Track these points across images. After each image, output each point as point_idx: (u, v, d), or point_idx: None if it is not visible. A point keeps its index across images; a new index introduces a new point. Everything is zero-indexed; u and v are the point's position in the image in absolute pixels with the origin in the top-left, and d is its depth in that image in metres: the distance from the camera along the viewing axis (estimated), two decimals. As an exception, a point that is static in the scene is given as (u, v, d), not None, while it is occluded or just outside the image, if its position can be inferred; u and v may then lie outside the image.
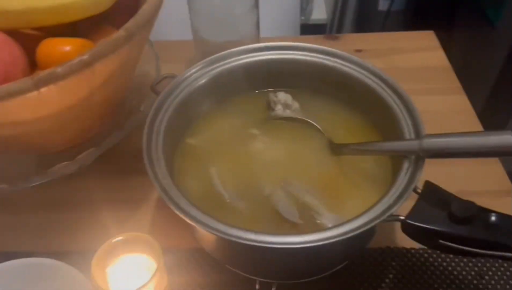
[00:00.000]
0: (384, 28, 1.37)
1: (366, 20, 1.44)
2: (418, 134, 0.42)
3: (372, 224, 0.36)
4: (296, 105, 0.53)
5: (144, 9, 0.40)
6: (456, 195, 0.38)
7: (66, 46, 0.40)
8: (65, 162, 0.47)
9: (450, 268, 0.47)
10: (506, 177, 0.56)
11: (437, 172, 0.43)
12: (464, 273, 0.47)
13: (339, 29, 1.46)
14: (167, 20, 0.83)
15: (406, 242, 0.49)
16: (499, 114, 1.08)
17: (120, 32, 0.38)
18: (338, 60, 0.50)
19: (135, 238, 0.42)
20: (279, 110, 0.52)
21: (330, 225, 0.41)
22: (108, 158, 0.56)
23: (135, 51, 0.43)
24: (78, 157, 0.48)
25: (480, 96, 1.09)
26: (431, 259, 0.48)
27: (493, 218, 0.35)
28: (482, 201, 0.40)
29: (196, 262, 0.48)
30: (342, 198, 0.44)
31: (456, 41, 1.16)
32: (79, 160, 0.48)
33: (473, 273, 0.47)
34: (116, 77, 0.42)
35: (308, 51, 0.52)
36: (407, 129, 0.43)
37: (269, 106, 0.53)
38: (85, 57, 0.36)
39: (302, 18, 1.44)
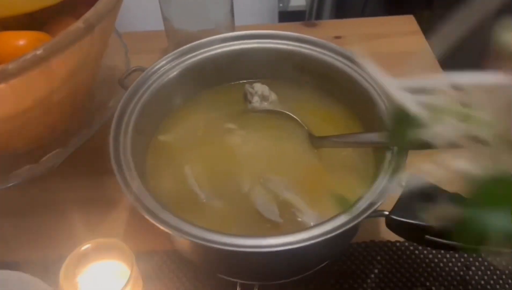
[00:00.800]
0: (364, 13, 1.35)
1: (346, 6, 1.42)
2: (400, 124, 0.40)
3: (355, 222, 0.34)
4: (273, 96, 0.50)
5: (105, -2, 0.37)
6: (441, 187, 0.36)
7: (19, 40, 0.36)
8: (28, 165, 0.44)
9: (436, 260, 0.46)
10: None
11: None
12: (450, 264, 0.45)
13: (319, 16, 1.43)
14: (137, 10, 0.79)
15: (391, 235, 0.47)
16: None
17: (78, 24, 0.35)
18: (316, 48, 0.48)
19: (106, 244, 0.40)
20: (256, 102, 0.50)
21: (312, 223, 0.39)
22: (76, 157, 0.52)
23: (98, 43, 0.40)
24: (42, 159, 0.44)
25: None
26: (417, 252, 0.46)
27: (481, 211, 0.34)
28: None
29: (174, 266, 0.46)
30: (323, 193, 0.42)
31: (436, 23, 1.14)
32: (43, 163, 0.45)
33: (459, 264, 0.45)
34: (78, 73, 0.39)
35: (284, 39, 0.49)
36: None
37: (246, 98, 0.51)
38: (40, 51, 0.33)
39: (281, 5, 1.41)
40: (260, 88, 0.50)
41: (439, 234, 0.34)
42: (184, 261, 0.46)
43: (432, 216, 0.33)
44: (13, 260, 0.46)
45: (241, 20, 0.68)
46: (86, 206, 0.51)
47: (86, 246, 0.39)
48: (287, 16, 1.42)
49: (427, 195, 0.36)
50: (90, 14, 0.36)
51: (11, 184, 0.44)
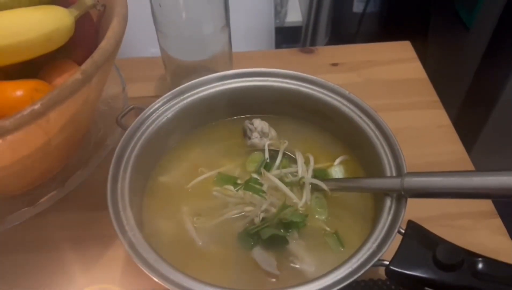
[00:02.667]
0: (359, 30, 1.36)
1: (341, 22, 1.43)
2: (399, 171, 0.40)
3: (356, 276, 0.34)
4: (273, 133, 0.50)
5: (102, 47, 0.37)
6: (438, 222, 0.36)
7: (17, 90, 0.36)
8: (26, 208, 0.44)
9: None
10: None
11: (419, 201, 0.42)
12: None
13: (314, 31, 1.44)
14: (134, 37, 0.79)
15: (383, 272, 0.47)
16: (474, 116, 1.08)
17: (77, 76, 0.35)
18: (315, 87, 0.48)
19: (103, 291, 0.39)
20: (255, 138, 0.49)
21: (311, 270, 0.39)
22: (72, 193, 0.52)
23: (95, 90, 0.40)
24: (39, 202, 0.44)
25: (455, 100, 1.09)
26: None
27: (480, 265, 0.34)
28: (466, 224, 0.38)
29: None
30: (321, 237, 0.42)
31: (431, 44, 1.15)
32: (40, 205, 0.44)
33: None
34: (75, 121, 0.39)
35: (283, 77, 0.49)
36: (388, 164, 0.41)
37: (245, 134, 0.50)
38: (37, 106, 0.33)
39: (277, 21, 1.41)
40: (259, 124, 0.49)
41: (439, 286, 0.34)
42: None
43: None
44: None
45: (238, 39, 0.67)
46: (82, 244, 0.50)
47: (83, 294, 0.39)
48: (283, 32, 1.42)
49: (427, 244, 0.36)
50: (88, 65, 0.35)
51: (8, 227, 0.44)
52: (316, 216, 0.43)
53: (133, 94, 0.63)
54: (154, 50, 0.67)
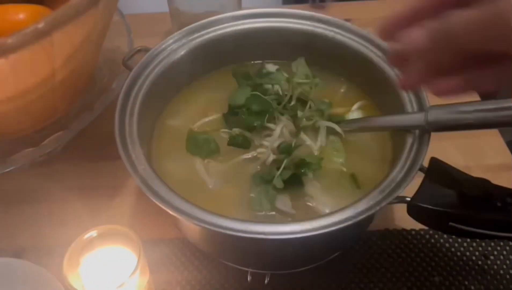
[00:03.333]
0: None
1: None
2: (421, 106, 0.38)
3: (376, 208, 0.32)
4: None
5: (109, -31, 0.34)
6: (465, 173, 0.34)
7: (19, 13, 0.34)
8: (29, 149, 0.42)
9: (453, 249, 0.44)
10: (506, 149, 0.53)
11: (431, 148, 0.40)
12: (468, 253, 0.44)
13: None
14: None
15: (405, 223, 0.46)
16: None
17: (82, -4, 0.33)
18: (329, 27, 0.46)
19: (111, 231, 0.38)
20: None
21: (326, 210, 0.37)
22: (79, 141, 0.51)
23: (101, 19, 0.38)
24: (43, 143, 0.42)
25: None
26: (432, 240, 0.45)
27: (508, 198, 0.32)
28: (483, 176, 0.36)
29: (180, 254, 0.44)
30: (337, 179, 0.40)
31: None
32: (44, 146, 0.43)
33: (477, 253, 0.44)
34: (80, 51, 0.37)
35: (297, 18, 0.47)
36: (409, 102, 0.39)
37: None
38: (41, 25, 0.31)
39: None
40: (270, 68, 0.47)
41: (465, 221, 0.32)
42: (192, 249, 0.44)
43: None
44: (16, 247, 0.44)
45: (245, 3, 0.65)
46: (90, 192, 0.49)
47: (90, 233, 0.37)
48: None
49: (451, 180, 0.34)
50: (94, -15, 0.33)
51: (10, 168, 0.42)
52: (333, 160, 0.41)
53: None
54: (160, 6, 0.66)
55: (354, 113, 0.45)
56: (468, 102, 0.34)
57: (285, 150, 0.39)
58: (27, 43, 0.30)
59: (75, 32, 0.34)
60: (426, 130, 0.36)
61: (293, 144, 0.40)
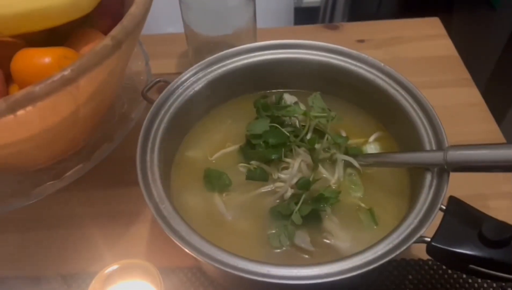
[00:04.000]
0: (379, 10, 1.32)
1: (361, 2, 1.39)
2: (440, 145, 0.38)
3: (397, 252, 0.32)
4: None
5: (132, 13, 0.35)
6: (469, 203, 0.34)
7: (44, 57, 0.35)
8: (51, 182, 0.43)
9: (470, 281, 0.44)
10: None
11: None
12: (485, 285, 0.44)
13: (333, 11, 1.41)
14: (157, 12, 0.77)
15: (423, 253, 0.46)
16: (501, 95, 1.05)
17: (107, 41, 0.33)
18: (347, 59, 0.46)
19: (132, 265, 0.39)
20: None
21: (344, 246, 0.38)
22: (96, 169, 0.51)
23: (124, 58, 0.38)
24: (65, 175, 0.43)
25: (482, 79, 1.06)
26: (449, 272, 0.45)
27: (530, 242, 0.32)
28: (498, 205, 0.36)
29: (200, 284, 0.45)
30: (355, 214, 0.41)
31: (455, 22, 1.11)
32: (67, 178, 0.43)
33: (494, 285, 0.44)
34: (103, 89, 0.38)
35: (313, 49, 0.47)
36: (427, 138, 0.39)
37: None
38: (67, 72, 0.31)
39: (295, 1, 1.38)
40: (288, 98, 0.48)
41: (485, 264, 0.32)
42: (209, 278, 0.45)
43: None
44: (32, 275, 0.45)
45: (257, 17, 0.65)
46: (107, 219, 0.50)
47: (112, 268, 0.38)
48: (301, 12, 1.39)
49: (471, 220, 0.34)
50: (117, 31, 0.34)
51: (33, 201, 0.43)
52: (351, 194, 0.42)
53: (154, 70, 0.61)
54: (171, 29, 0.66)
55: (372, 145, 0.45)
56: (490, 144, 0.34)
57: (303, 185, 0.39)
58: (54, 90, 0.31)
59: (100, 74, 0.35)
60: (445, 169, 0.36)
61: (311, 179, 0.40)
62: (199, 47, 0.63)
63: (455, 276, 0.44)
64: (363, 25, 0.74)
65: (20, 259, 0.47)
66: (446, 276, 0.44)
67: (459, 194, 0.37)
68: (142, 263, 0.38)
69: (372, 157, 0.42)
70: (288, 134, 0.42)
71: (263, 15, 0.92)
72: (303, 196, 0.39)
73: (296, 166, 0.41)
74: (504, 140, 0.56)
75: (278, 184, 0.42)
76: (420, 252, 0.46)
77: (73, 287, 0.44)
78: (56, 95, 0.32)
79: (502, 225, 0.33)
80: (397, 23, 0.74)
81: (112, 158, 0.52)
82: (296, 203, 0.39)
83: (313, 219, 0.39)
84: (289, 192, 0.41)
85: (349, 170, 0.43)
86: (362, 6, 1.40)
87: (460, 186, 0.39)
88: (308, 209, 0.38)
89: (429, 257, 0.45)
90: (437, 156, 0.36)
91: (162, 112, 0.43)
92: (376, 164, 0.42)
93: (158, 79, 0.47)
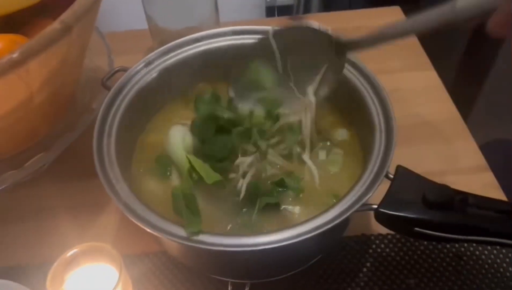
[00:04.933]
0: (350, 7, 1.35)
1: (332, 1, 1.41)
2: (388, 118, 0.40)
3: (343, 217, 0.33)
4: None
5: (82, -3, 0.36)
6: (429, 178, 0.36)
7: (-5, 43, 0.35)
8: (11, 171, 0.43)
9: (428, 251, 0.46)
10: (479, 152, 0.54)
11: (406, 154, 0.41)
12: (442, 255, 0.45)
13: (307, 11, 1.43)
14: (120, 9, 0.78)
15: (382, 228, 0.47)
16: (467, 88, 1.08)
17: (55, 25, 0.34)
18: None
19: (93, 248, 0.39)
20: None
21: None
22: (63, 161, 0.52)
23: (77, 44, 0.39)
24: (25, 164, 0.43)
25: (448, 69, 1.09)
26: (408, 244, 0.46)
27: (470, 201, 0.33)
28: (457, 180, 0.38)
29: (164, 268, 0.45)
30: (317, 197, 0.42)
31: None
32: (27, 168, 0.44)
33: (451, 254, 0.45)
34: (58, 75, 0.38)
35: (262, 34, 0.48)
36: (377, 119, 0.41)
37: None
38: (15, 55, 0.32)
39: (268, 0, 1.40)
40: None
41: (429, 225, 0.34)
42: (174, 262, 0.45)
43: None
44: (0, 267, 0.45)
45: (226, 16, 0.67)
46: (75, 210, 0.50)
47: (73, 251, 0.38)
48: (274, 11, 1.41)
49: (416, 187, 0.36)
50: (66, 15, 0.35)
51: (-6, 191, 0.43)
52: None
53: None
54: (140, 23, 0.67)
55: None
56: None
57: (253, 192, 0.40)
58: (3, 73, 0.32)
59: (50, 58, 0.35)
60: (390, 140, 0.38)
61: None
62: (164, 41, 0.64)
63: (413, 248, 0.46)
64: (328, 16, 0.76)
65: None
66: (404, 248, 0.46)
67: (419, 171, 0.38)
68: (102, 245, 0.39)
69: (372, 37, 0.43)
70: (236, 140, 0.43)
71: (234, 12, 0.94)
72: (257, 203, 0.40)
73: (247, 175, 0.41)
74: (460, 119, 0.58)
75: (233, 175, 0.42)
76: (379, 227, 0.47)
77: (39, 276, 0.44)
78: (5, 78, 0.32)
79: (444, 188, 0.34)
80: (361, 12, 0.76)
81: (79, 150, 0.52)
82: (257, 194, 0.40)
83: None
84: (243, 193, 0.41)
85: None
86: (333, 4, 1.42)
87: (420, 164, 0.40)
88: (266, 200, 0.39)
89: (388, 231, 0.47)
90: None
91: (120, 97, 0.43)
92: (379, 40, 0.42)
93: (117, 68, 0.48)
